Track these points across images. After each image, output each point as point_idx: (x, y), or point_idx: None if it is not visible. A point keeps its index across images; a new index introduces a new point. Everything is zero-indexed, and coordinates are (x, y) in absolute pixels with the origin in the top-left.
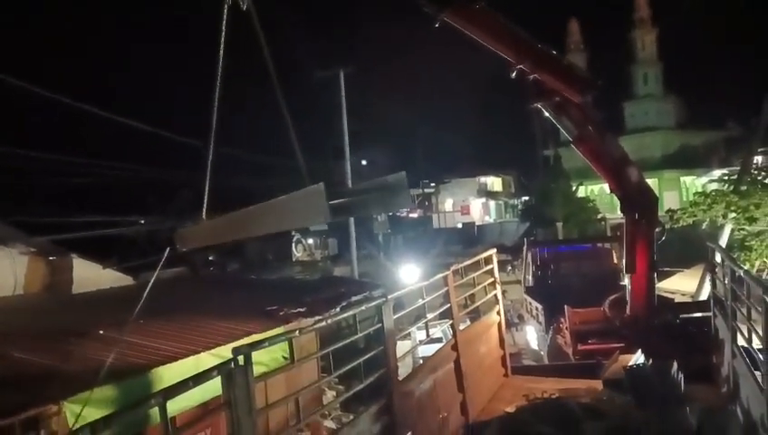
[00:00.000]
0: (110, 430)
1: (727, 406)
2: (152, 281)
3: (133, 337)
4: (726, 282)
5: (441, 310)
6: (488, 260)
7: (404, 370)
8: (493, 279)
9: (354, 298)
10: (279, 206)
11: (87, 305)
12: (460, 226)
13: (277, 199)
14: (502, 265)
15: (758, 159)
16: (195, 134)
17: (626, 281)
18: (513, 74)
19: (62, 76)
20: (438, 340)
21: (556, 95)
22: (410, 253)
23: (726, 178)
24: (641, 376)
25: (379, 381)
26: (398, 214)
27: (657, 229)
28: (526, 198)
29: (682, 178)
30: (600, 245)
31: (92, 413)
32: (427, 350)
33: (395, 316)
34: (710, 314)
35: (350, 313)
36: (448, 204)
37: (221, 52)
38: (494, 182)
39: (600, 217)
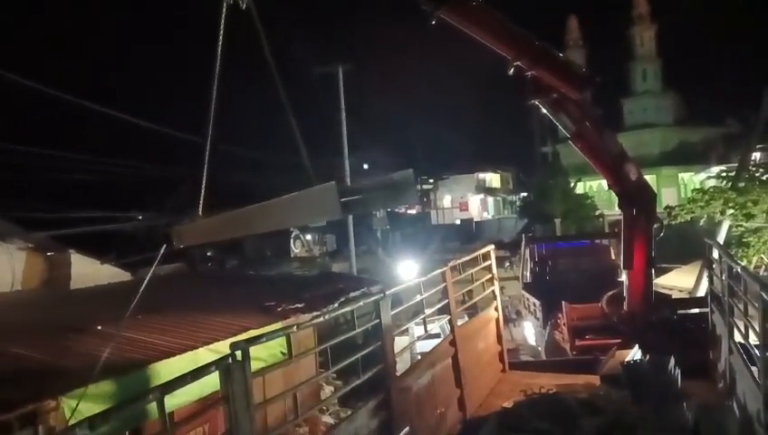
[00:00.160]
0: (109, 424)
1: (724, 402)
2: (149, 276)
3: (131, 332)
4: (723, 278)
5: (439, 306)
6: (486, 256)
7: (402, 365)
8: (491, 275)
9: (352, 294)
10: (290, 202)
11: (85, 301)
12: (458, 222)
13: (288, 196)
14: (500, 261)
15: (756, 155)
16: (194, 130)
17: (623, 277)
18: (511, 71)
19: (60, 72)
20: (436, 335)
21: (554, 92)
22: (408, 249)
23: (724, 174)
24: (638, 372)
25: (376, 376)
26: (396, 210)
27: (655, 226)
28: (524, 194)
29: (680, 175)
30: (597, 241)
31: (90, 408)
32: (425, 345)
33: (393, 312)
34: (707, 310)
35: (349, 308)
36: (447, 200)
37: (219, 49)
38: (493, 178)
39: (598, 213)
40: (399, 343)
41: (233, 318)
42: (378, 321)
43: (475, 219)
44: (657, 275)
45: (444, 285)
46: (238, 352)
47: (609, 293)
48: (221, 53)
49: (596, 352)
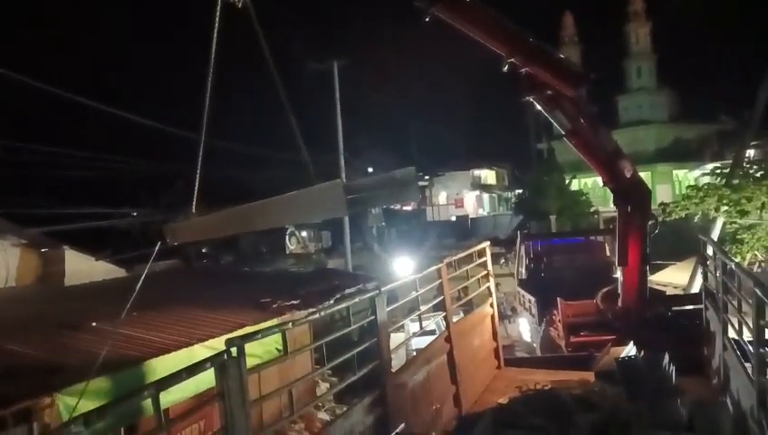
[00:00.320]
0: (104, 421)
1: (718, 398)
2: (144, 274)
3: (126, 329)
4: (718, 275)
5: (434, 302)
6: (481, 253)
7: (397, 362)
8: (486, 272)
9: (348, 290)
10: (295, 199)
11: (79, 297)
12: (454, 218)
13: (294, 193)
14: (495, 257)
15: (750, 152)
16: (190, 126)
17: (618, 274)
18: (505, 68)
19: (54, 68)
20: (432, 332)
21: (548, 89)
22: (404, 245)
23: (719, 171)
24: (633, 368)
25: (372, 372)
26: (391, 207)
27: (650, 222)
28: (520, 190)
29: (675, 172)
30: (592, 238)
31: (85, 405)
32: (421, 342)
33: (388, 308)
34: (701, 306)
35: (344, 305)
36: (442, 197)
37: (213, 45)
38: (488, 175)
39: (593, 210)
40: (395, 339)
41: (228, 315)
42: (373, 317)
43: (470, 216)
44: (652, 272)
45: (439, 281)
46: (233, 349)
47: (604, 289)
48: (215, 50)
49: (591, 348)
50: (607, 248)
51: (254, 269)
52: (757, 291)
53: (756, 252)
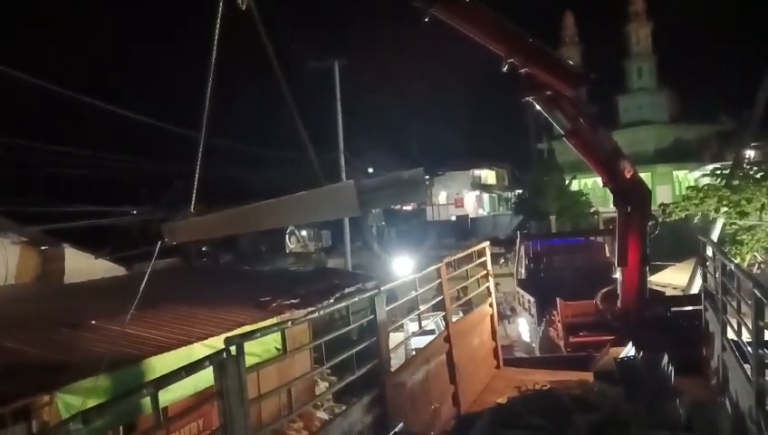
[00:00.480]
0: (102, 419)
1: (717, 398)
2: (147, 274)
3: (125, 327)
4: (717, 276)
5: (434, 302)
6: (481, 253)
7: (396, 361)
8: (486, 271)
9: (347, 290)
10: (307, 199)
11: (79, 295)
12: (454, 218)
13: (305, 193)
14: (495, 257)
15: (750, 153)
16: (190, 125)
17: (618, 274)
18: (505, 68)
19: (54, 66)
20: (431, 332)
21: (548, 89)
22: (404, 245)
23: (719, 172)
24: (632, 368)
25: (371, 372)
26: (391, 206)
27: (650, 223)
28: (520, 191)
29: (675, 173)
30: (592, 238)
31: (84, 403)
32: (420, 341)
33: (388, 308)
34: (701, 307)
35: (343, 304)
36: (442, 196)
37: (215, 45)
38: (488, 175)
39: (593, 210)
40: (394, 338)
41: (227, 313)
42: (372, 317)
43: (470, 216)
44: (652, 273)
45: (439, 281)
46: (232, 348)
47: (604, 290)
48: (216, 50)
49: (590, 348)
50: (606, 249)
51: (254, 268)
52: (756, 292)
53: (756, 253)
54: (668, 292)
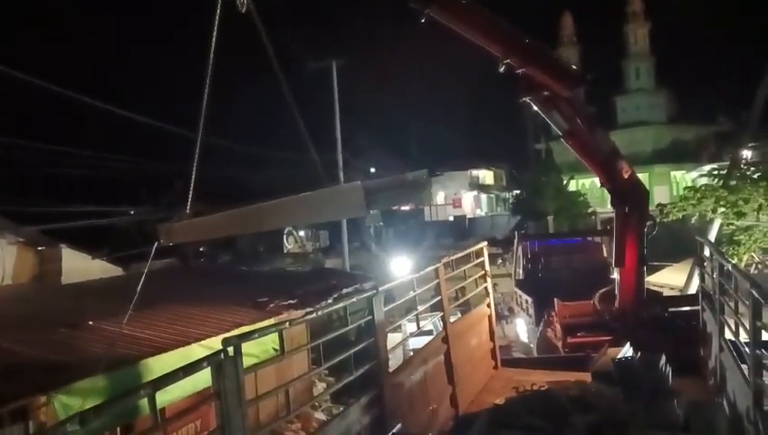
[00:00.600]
0: (99, 420)
1: (714, 399)
2: (144, 274)
3: (123, 328)
4: (715, 276)
5: (432, 302)
6: (479, 253)
7: (394, 362)
8: (483, 272)
9: (345, 290)
10: (315, 199)
11: (76, 296)
12: (451, 218)
13: (313, 193)
14: (493, 257)
15: (747, 153)
16: (190, 125)
17: (615, 274)
18: (502, 69)
19: (53, 66)
20: (429, 332)
21: (545, 89)
22: (402, 245)
23: (716, 172)
24: (629, 369)
25: (369, 372)
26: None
27: (648, 223)
28: (518, 191)
29: (672, 173)
30: (590, 238)
31: (81, 404)
32: (418, 342)
33: (386, 308)
34: (698, 307)
35: (341, 305)
36: (440, 197)
37: (212, 46)
38: (486, 175)
39: (590, 210)
40: (392, 339)
41: (225, 314)
42: (370, 317)
43: (468, 216)
44: (649, 273)
45: (436, 281)
46: (230, 348)
47: (602, 290)
48: (214, 50)
49: (588, 349)
50: (604, 249)
51: (252, 268)
52: (753, 292)
53: (753, 253)
54: (666, 292)
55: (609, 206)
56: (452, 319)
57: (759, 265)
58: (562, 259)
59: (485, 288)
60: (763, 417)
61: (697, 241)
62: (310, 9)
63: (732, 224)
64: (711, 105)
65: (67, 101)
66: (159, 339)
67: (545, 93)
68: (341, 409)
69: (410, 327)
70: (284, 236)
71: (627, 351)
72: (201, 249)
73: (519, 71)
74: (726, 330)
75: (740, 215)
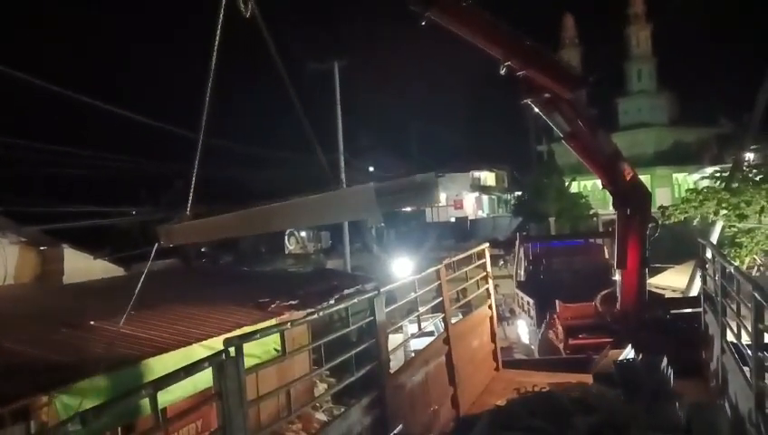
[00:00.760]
0: (101, 420)
1: (716, 401)
2: (144, 274)
3: (124, 328)
4: (717, 278)
5: (433, 304)
6: (481, 254)
7: (396, 363)
8: (485, 273)
9: (346, 291)
10: (327, 201)
11: (78, 296)
12: (453, 220)
13: (325, 195)
14: (494, 259)
15: (750, 156)
16: (191, 125)
17: (617, 276)
18: (503, 71)
19: (54, 66)
20: (430, 333)
21: (546, 91)
22: (403, 246)
23: (718, 175)
24: (631, 371)
25: (370, 373)
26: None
27: (650, 225)
28: (519, 192)
29: (674, 175)
30: (592, 240)
31: (83, 404)
32: (419, 343)
33: (387, 309)
34: (700, 309)
35: (343, 305)
36: (442, 198)
37: (215, 48)
38: (488, 177)
39: (592, 212)
40: (393, 340)
41: (227, 314)
42: (372, 318)
43: (469, 217)
44: (651, 275)
45: (438, 282)
46: (232, 349)
47: (603, 292)
48: (216, 53)
49: (589, 351)
50: (606, 251)
51: (253, 269)
52: (756, 295)
53: (755, 256)
54: (668, 294)
55: (611, 208)
56: (453, 320)
57: (761, 268)
58: (564, 261)
59: (487, 290)
60: (765, 419)
61: (699, 243)
62: (310, 10)
63: (734, 226)
64: (713, 107)
65: (68, 101)
66: (161, 339)
67: (546, 95)
68: (342, 409)
69: (412, 328)
70: (286, 237)
71: (628, 353)
72: (203, 250)
73: (520, 73)
74: (728, 332)
75: (742, 217)
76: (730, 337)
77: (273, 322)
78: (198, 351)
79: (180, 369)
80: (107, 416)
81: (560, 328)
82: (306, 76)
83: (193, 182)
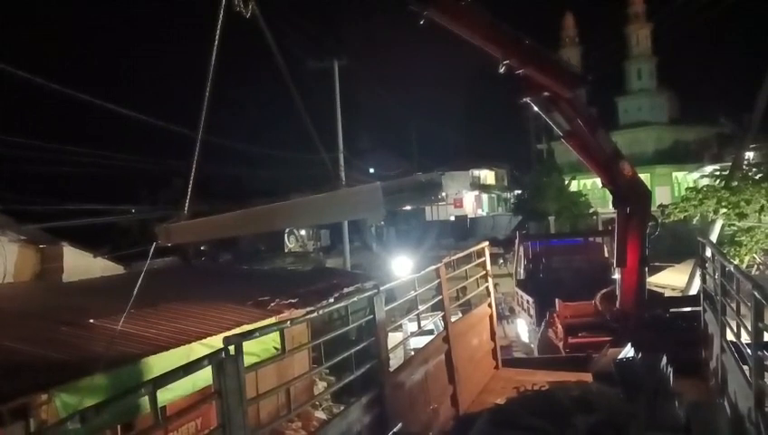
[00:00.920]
0: (100, 418)
1: (715, 400)
2: (143, 272)
3: (124, 326)
4: (716, 277)
5: (433, 302)
6: (480, 253)
7: (395, 361)
8: (485, 272)
9: (346, 290)
10: (334, 200)
11: (77, 294)
12: (453, 218)
13: (332, 193)
14: (494, 257)
15: (749, 155)
16: (190, 123)
17: (617, 275)
18: (502, 70)
19: (53, 63)
20: (430, 332)
21: (545, 90)
22: (403, 245)
23: (718, 173)
24: (631, 369)
25: (370, 372)
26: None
27: (650, 224)
28: (519, 191)
29: (674, 174)
30: (591, 239)
31: (82, 402)
32: (419, 342)
33: (387, 308)
34: (700, 308)
35: (342, 304)
36: (441, 196)
37: (215, 47)
38: (487, 175)
39: (592, 211)
40: (393, 338)
41: (226, 313)
42: (371, 317)
43: (469, 216)
44: (651, 274)
45: (438, 281)
46: (231, 347)
47: (603, 291)
48: (216, 51)
49: (589, 349)
50: (605, 250)
51: (253, 267)
52: (755, 293)
53: (755, 254)
54: (667, 293)
55: (611, 206)
56: (453, 319)
57: (761, 267)
58: (564, 259)
59: (486, 288)
60: (765, 418)
61: (699, 242)
62: (309, 10)
63: (733, 225)
64: (713, 106)
65: (67, 98)
66: (160, 337)
67: (546, 94)
68: (342, 408)
69: (411, 327)
70: (285, 236)
71: (628, 351)
72: (202, 248)
73: (519, 71)
74: (728, 331)
75: (742, 216)
76: (729, 336)
77: (272, 320)
78: (198, 349)
79: (180, 367)
80: (106, 414)
81: (559, 327)
82: (306, 75)
83: (191, 181)
